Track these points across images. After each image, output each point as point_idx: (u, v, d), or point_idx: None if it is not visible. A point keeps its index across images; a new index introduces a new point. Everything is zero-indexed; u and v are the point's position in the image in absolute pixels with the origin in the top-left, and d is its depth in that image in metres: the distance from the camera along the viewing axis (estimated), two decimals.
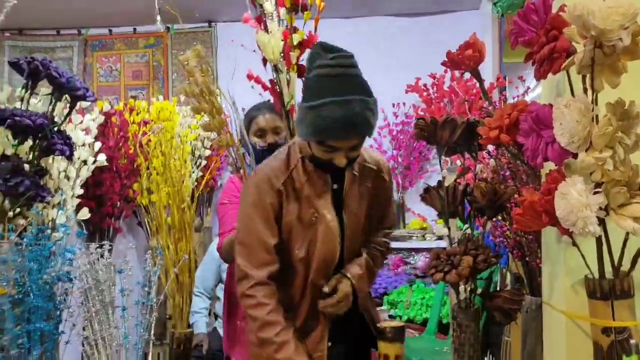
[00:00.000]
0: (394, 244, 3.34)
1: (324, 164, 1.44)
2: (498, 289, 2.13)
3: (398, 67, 3.42)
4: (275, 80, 1.81)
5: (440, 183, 1.38)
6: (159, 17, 3.09)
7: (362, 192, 1.55)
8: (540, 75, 1.02)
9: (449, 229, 1.38)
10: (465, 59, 1.23)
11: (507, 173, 1.51)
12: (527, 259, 1.65)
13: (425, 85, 3.40)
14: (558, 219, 1.03)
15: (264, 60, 1.78)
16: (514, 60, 3.49)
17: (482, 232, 1.46)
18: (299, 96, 1.66)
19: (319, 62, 1.34)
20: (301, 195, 1.47)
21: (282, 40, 1.73)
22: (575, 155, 1.03)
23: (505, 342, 2.12)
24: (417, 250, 3.41)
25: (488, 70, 3.28)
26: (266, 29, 1.74)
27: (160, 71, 3.95)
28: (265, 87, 1.83)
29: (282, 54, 1.76)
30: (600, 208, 0.96)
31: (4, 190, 1.66)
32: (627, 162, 0.88)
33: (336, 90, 1.31)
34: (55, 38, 4.01)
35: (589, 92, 0.94)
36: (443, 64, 1.32)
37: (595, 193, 0.96)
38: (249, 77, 1.80)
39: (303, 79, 1.62)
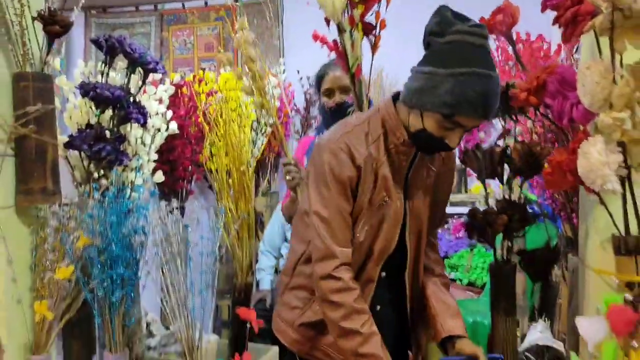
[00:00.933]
0: (456, 209, 3.40)
1: (423, 142, 1.30)
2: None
3: None
4: (339, 41, 1.66)
5: (478, 145, 1.44)
6: None
7: (428, 176, 1.44)
8: (566, 38, 1.05)
9: (485, 189, 1.43)
10: (497, 23, 1.26)
11: (549, 135, 1.54)
12: (573, 220, 1.68)
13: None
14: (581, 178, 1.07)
15: (327, 20, 1.64)
16: None
17: (522, 193, 1.50)
18: (366, 57, 1.61)
19: (457, 27, 1.19)
20: (378, 176, 1.34)
21: None
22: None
23: (558, 305, 2.15)
24: None
25: (556, 30, 3.16)
26: None
27: (231, 42, 4.13)
28: (331, 48, 1.70)
29: (346, 11, 1.58)
30: (621, 166, 1.00)
31: (89, 155, 1.88)
32: None
33: (480, 62, 1.19)
34: (134, 14, 4.28)
35: (610, 54, 0.96)
36: None
37: (614, 152, 0.99)
38: (315, 37, 1.71)
39: (371, 37, 1.59)
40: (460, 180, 3.46)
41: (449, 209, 3.46)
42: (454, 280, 3.20)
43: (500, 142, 1.49)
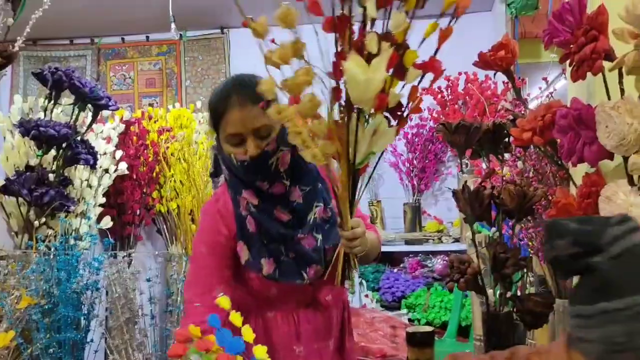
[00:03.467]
0: (411, 247, 3.36)
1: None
2: (519, 293, 2.12)
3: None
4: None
5: (464, 187, 1.38)
6: (173, 25, 3.11)
7: None
8: (578, 76, 1.02)
9: (473, 233, 1.37)
10: (497, 59, 1.22)
11: (531, 174, 1.51)
12: None
13: (439, 87, 3.39)
14: None
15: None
16: (527, 60, 3.49)
17: (510, 235, 1.45)
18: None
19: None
20: None
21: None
22: (610, 158, 1.03)
23: (529, 345, 2.10)
24: (434, 253, 3.39)
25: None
26: (361, 51, 1.00)
27: (174, 78, 3.97)
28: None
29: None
30: None
31: (30, 201, 1.67)
32: None
33: None
34: (69, 47, 4.04)
35: (635, 93, 0.93)
36: (474, 64, 1.30)
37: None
38: None
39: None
40: (414, 218, 3.44)
41: (404, 248, 3.48)
42: (411, 320, 3.13)
43: (485, 184, 1.44)
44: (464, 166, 3.26)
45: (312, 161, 1.06)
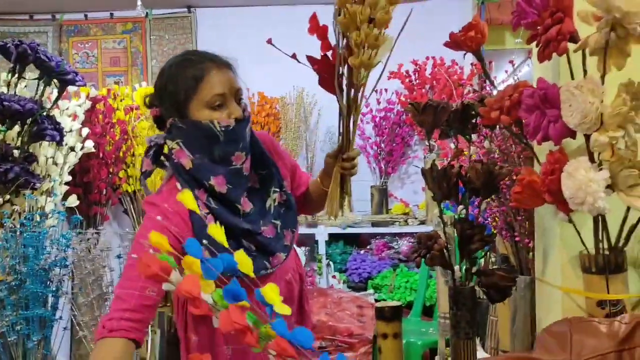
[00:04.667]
0: (378, 229, 3.42)
1: None
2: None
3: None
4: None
5: (432, 166, 1.41)
6: (139, 2, 3.04)
7: None
8: (544, 57, 1.05)
9: (440, 210, 1.41)
10: (467, 40, 1.25)
11: (497, 155, 1.56)
12: (516, 239, 1.70)
13: (407, 71, 3.43)
14: (560, 198, 1.07)
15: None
16: (493, 47, 3.57)
17: (476, 214, 1.50)
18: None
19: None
20: None
21: None
22: (573, 136, 1.07)
23: (491, 322, 2.18)
24: (400, 235, 3.46)
25: (467, 57, 3.35)
26: None
27: (139, 57, 3.89)
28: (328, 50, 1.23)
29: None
30: (606, 187, 1.00)
31: None
32: (636, 142, 0.92)
33: None
34: (29, 23, 3.90)
35: (603, 73, 0.97)
36: (445, 44, 1.33)
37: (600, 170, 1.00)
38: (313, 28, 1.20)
39: None
40: (381, 201, 3.49)
41: (371, 230, 3.53)
42: (377, 300, 3.20)
43: (454, 163, 1.48)
44: (431, 147, 3.33)
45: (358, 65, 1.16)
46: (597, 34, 0.91)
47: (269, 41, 1.24)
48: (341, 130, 1.26)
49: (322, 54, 1.23)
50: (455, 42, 1.27)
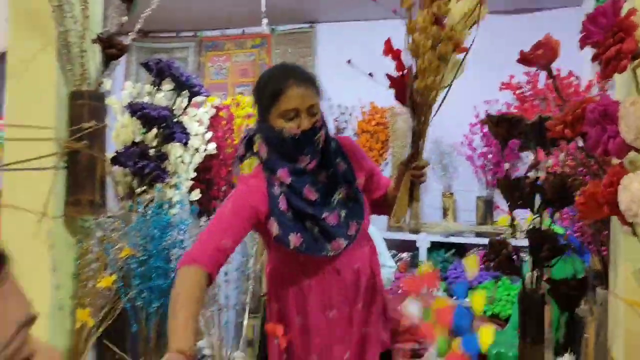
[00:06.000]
0: (481, 240, 3.41)
1: None
2: None
3: (492, 65, 3.45)
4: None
5: (507, 175, 1.48)
6: (265, 20, 3.37)
7: None
8: (606, 75, 1.10)
9: (512, 219, 1.47)
10: (537, 57, 1.32)
11: (581, 170, 1.57)
12: (603, 252, 1.69)
13: (519, 83, 3.39)
14: (618, 210, 1.11)
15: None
16: None
17: (566, 227, 1.53)
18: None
19: None
20: None
21: None
22: (637, 151, 1.11)
23: (585, 339, 2.15)
24: None
25: (587, 67, 3.22)
26: None
27: (265, 69, 4.25)
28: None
29: None
30: None
31: (134, 171, 1.98)
32: None
33: None
34: (174, 40, 4.45)
35: None
36: (518, 61, 1.39)
37: None
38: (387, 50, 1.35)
39: None
40: (485, 212, 3.48)
41: (474, 240, 3.52)
42: None
43: (531, 174, 1.53)
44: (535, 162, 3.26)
45: (422, 88, 1.31)
46: None
47: (349, 62, 1.44)
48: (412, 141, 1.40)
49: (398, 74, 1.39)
50: (525, 59, 1.33)
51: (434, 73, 1.28)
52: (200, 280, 1.24)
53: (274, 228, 1.37)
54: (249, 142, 1.47)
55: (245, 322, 1.89)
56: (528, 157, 3.60)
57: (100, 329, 1.77)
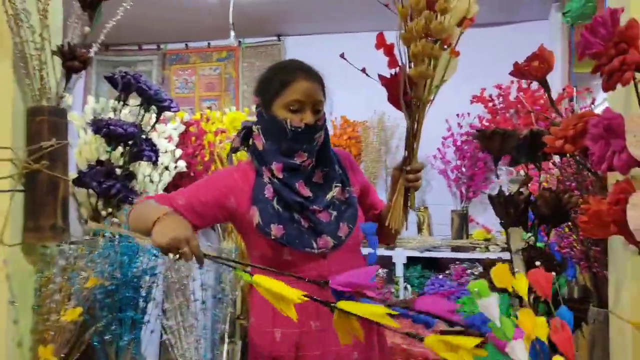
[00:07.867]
0: (457, 254, 3.38)
1: None
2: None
3: (463, 78, 3.44)
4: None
5: (499, 192, 1.42)
6: (232, 32, 3.27)
7: None
8: (608, 87, 1.06)
9: (507, 237, 1.41)
10: (532, 69, 1.27)
11: (573, 184, 1.53)
12: (594, 270, 1.65)
13: (490, 95, 3.39)
14: (626, 229, 1.05)
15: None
16: (584, 70, 3.43)
17: (546, 242, 1.48)
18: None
19: None
20: None
21: None
22: None
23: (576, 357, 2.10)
24: (481, 261, 3.38)
25: (557, 79, 3.25)
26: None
27: (232, 83, 4.15)
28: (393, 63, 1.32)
29: None
30: None
31: (99, 192, 1.84)
32: None
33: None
34: (137, 53, 4.30)
35: None
36: (510, 74, 1.35)
37: None
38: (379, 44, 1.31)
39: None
40: (461, 226, 3.45)
41: (450, 254, 3.49)
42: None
43: (523, 189, 1.48)
44: (514, 174, 3.25)
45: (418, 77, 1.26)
46: None
47: (342, 55, 1.37)
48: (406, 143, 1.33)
49: (391, 73, 1.33)
50: (520, 72, 1.29)
51: (429, 55, 1.22)
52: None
53: (255, 217, 1.30)
54: (246, 134, 1.42)
55: (225, 348, 1.76)
56: (501, 172, 3.61)
57: None
